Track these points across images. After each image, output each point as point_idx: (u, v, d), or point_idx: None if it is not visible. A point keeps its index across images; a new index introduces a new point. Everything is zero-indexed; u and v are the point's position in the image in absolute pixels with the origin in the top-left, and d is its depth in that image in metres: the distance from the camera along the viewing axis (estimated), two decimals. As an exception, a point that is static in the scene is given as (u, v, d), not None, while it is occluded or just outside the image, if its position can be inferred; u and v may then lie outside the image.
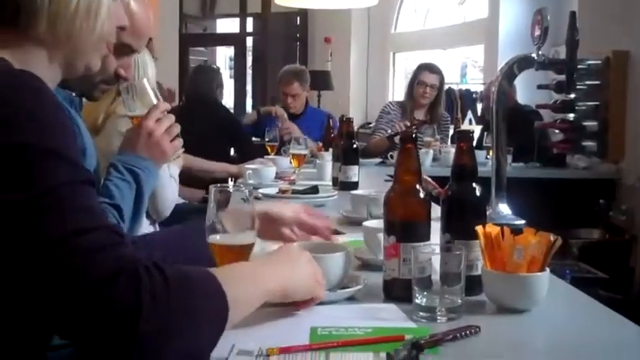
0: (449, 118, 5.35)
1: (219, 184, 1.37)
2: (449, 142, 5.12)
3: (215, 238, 1.31)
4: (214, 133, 4.47)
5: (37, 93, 0.99)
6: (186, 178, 3.55)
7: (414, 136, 1.40)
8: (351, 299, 1.39)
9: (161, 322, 0.90)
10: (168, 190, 2.72)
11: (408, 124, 4.75)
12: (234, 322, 1.03)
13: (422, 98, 5.05)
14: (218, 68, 5.37)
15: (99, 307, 0.88)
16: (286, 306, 1.26)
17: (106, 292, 0.88)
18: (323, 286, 1.28)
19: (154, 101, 1.73)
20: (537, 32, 2.28)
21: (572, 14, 2.30)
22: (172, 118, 1.72)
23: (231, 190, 1.36)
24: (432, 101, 5.08)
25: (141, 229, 1.74)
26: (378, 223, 1.59)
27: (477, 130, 5.78)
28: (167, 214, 2.80)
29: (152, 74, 2.87)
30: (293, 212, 1.59)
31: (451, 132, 5.36)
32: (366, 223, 1.73)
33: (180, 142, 1.74)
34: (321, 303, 1.30)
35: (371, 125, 7.56)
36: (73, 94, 1.68)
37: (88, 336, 0.90)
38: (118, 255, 0.92)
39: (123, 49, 1.59)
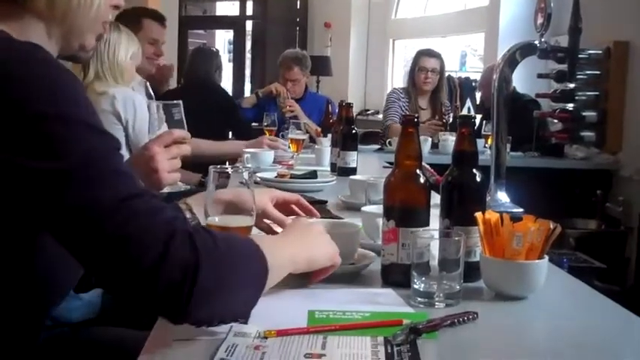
0: (450, 107, 5.32)
1: (218, 166, 1.36)
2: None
3: (214, 220, 1.31)
4: (212, 115, 4.45)
5: (48, 64, 1.01)
6: (189, 163, 3.55)
7: (415, 120, 1.39)
8: (349, 283, 1.39)
9: (215, 275, 0.98)
10: None
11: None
12: (270, 286, 1.11)
13: (424, 84, 5.02)
14: (217, 51, 5.35)
15: (162, 266, 0.94)
16: (307, 277, 1.29)
17: (167, 251, 0.95)
18: (337, 256, 1.31)
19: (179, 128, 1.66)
20: (540, 19, 2.27)
21: (576, 2, 2.30)
22: (185, 149, 1.65)
23: (230, 172, 1.36)
24: (434, 87, 5.05)
25: None
26: (377, 209, 1.59)
27: (476, 118, 5.78)
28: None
29: (127, 53, 2.86)
30: (259, 201, 1.53)
31: (450, 120, 5.33)
32: (364, 208, 1.73)
33: (178, 175, 1.66)
34: (331, 280, 1.31)
35: (369, 111, 7.54)
36: None
37: (149, 291, 0.95)
38: (168, 217, 0.99)
39: None
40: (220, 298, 1.00)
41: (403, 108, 5.06)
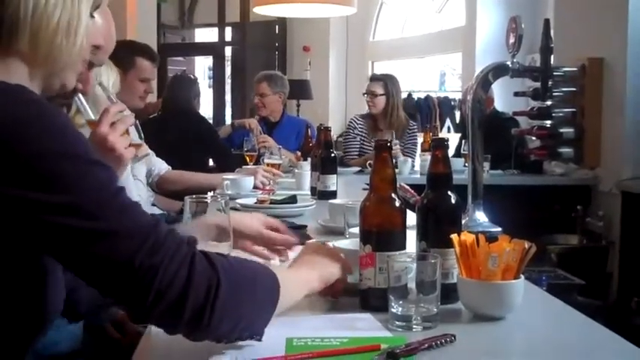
0: (415, 126, 5.33)
1: (194, 195, 1.37)
2: (418, 151, 5.12)
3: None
4: (192, 143, 4.45)
5: (40, 104, 1.03)
6: (172, 192, 3.54)
7: (388, 144, 1.40)
8: (327, 309, 1.39)
9: (234, 290, 1.04)
10: (134, 193, 2.71)
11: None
12: (283, 306, 1.17)
13: (369, 108, 5.16)
14: (196, 78, 5.37)
15: (189, 291, 1.00)
16: (325, 294, 1.38)
17: (191, 276, 1.00)
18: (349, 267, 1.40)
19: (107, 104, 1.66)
20: (512, 40, 2.29)
21: (546, 22, 2.32)
22: (128, 120, 1.66)
23: (207, 201, 1.36)
24: (384, 109, 5.09)
25: None
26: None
27: (455, 138, 5.81)
28: None
29: (109, 82, 2.86)
30: (252, 225, 1.60)
31: (420, 140, 5.35)
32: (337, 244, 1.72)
33: (133, 150, 1.67)
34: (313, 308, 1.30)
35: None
36: None
37: (178, 317, 1.01)
38: (183, 240, 1.04)
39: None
40: (239, 312, 1.06)
41: (362, 134, 5.19)
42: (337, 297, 1.40)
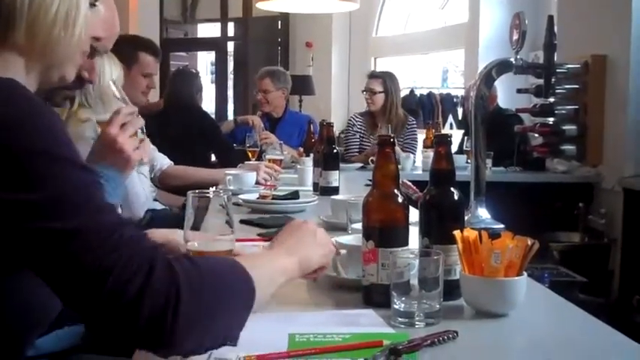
0: (414, 122, 5.32)
1: (197, 190, 1.36)
2: (419, 147, 5.10)
3: (193, 245, 1.31)
4: (194, 138, 4.45)
5: (29, 100, 1.00)
6: (175, 188, 3.54)
7: (391, 140, 1.40)
8: (329, 305, 1.39)
9: (199, 303, 0.97)
10: (139, 188, 2.71)
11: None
12: (261, 303, 1.10)
13: (368, 105, 5.13)
14: (197, 72, 5.36)
15: (144, 298, 0.93)
16: (306, 278, 1.32)
17: (147, 283, 0.93)
18: (332, 251, 1.34)
19: (119, 105, 1.67)
20: (515, 36, 2.29)
21: (550, 18, 2.32)
22: (138, 122, 1.66)
23: (210, 196, 1.36)
24: (383, 106, 5.08)
25: None
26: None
27: (457, 134, 5.81)
28: (141, 213, 2.78)
29: (112, 77, 2.85)
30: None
31: (421, 136, 5.34)
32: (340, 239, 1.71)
33: (147, 147, 1.69)
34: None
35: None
36: None
37: (131, 325, 0.94)
38: (147, 247, 0.99)
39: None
40: (206, 326, 0.99)
41: (361, 131, 5.18)
42: (317, 279, 1.37)
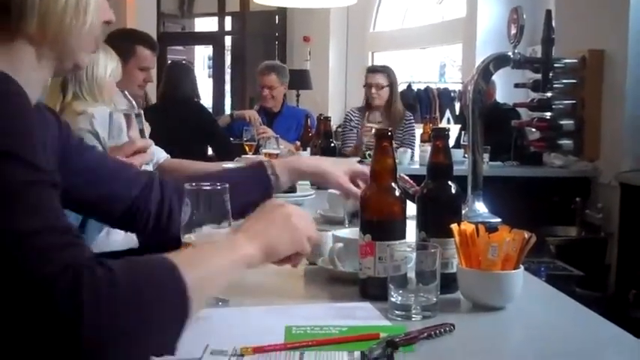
0: (412, 118, 5.30)
1: (194, 183, 1.36)
2: (417, 142, 5.10)
3: (190, 238, 1.30)
4: (191, 131, 4.45)
5: (3, 96, 0.97)
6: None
7: (389, 134, 1.40)
8: (326, 298, 1.39)
9: (109, 323, 0.86)
10: None
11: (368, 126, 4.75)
12: (202, 304, 1.02)
13: (372, 100, 5.06)
14: (190, 64, 5.34)
15: (41, 313, 0.84)
16: (281, 264, 1.22)
17: (45, 297, 0.85)
18: (311, 238, 1.24)
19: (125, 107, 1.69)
20: (513, 30, 2.29)
21: (548, 12, 2.32)
22: (147, 158, 1.69)
23: (208, 189, 1.35)
24: (386, 100, 5.07)
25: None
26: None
27: (455, 129, 5.81)
28: None
29: (106, 70, 2.84)
30: (334, 177, 1.65)
31: (419, 130, 5.33)
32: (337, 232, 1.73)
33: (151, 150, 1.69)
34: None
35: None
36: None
37: (33, 343, 0.86)
38: (61, 257, 0.88)
39: None
40: (122, 346, 0.88)
41: (359, 126, 5.14)
42: (295, 266, 1.28)
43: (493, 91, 5.21)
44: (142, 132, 1.74)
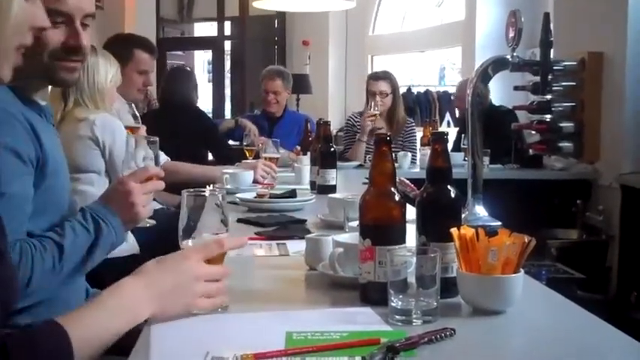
0: (412, 123, 5.27)
1: (192, 189, 1.36)
2: (418, 146, 5.09)
3: (187, 244, 1.30)
4: (190, 136, 4.44)
5: None
6: (170, 184, 3.53)
7: (388, 138, 1.40)
8: (327, 303, 1.39)
9: None
10: None
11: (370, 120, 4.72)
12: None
13: (376, 107, 5.02)
14: (191, 69, 5.35)
15: None
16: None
17: None
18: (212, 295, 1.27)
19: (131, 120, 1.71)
20: (512, 34, 2.29)
21: (546, 15, 2.32)
22: (159, 185, 1.68)
23: (205, 195, 1.35)
24: (389, 107, 5.05)
25: (75, 279, 1.61)
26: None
27: (454, 132, 5.80)
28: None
29: (106, 76, 2.84)
30: None
31: (419, 134, 5.32)
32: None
33: (150, 210, 1.71)
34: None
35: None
36: (43, 104, 1.60)
37: None
38: None
39: (55, 18, 1.44)
40: None
41: (358, 133, 5.09)
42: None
43: (487, 94, 5.19)
44: (156, 158, 1.76)
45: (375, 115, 4.63)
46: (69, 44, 1.50)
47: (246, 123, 5.04)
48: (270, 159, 3.41)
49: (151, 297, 1.20)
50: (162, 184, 1.69)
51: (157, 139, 1.82)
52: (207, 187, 2.92)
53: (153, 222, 2.01)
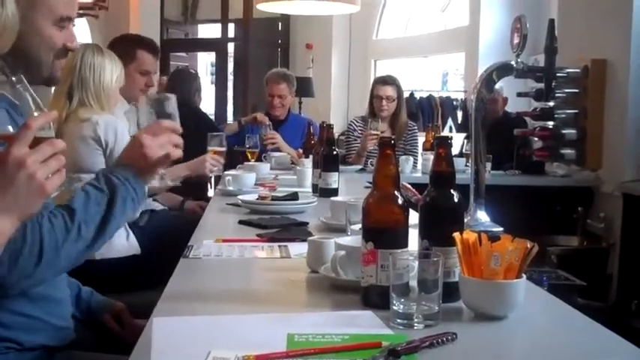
0: (415, 127, 5.28)
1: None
2: (419, 150, 5.09)
3: (6, 129, 1.27)
4: (192, 139, 4.43)
5: None
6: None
7: (392, 142, 1.40)
8: (328, 306, 1.39)
9: None
10: None
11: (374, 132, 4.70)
12: None
13: (380, 111, 5.01)
14: (196, 72, 5.35)
15: None
16: None
17: None
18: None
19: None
20: (516, 40, 2.29)
21: (551, 22, 2.32)
22: (175, 138, 1.58)
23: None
24: (393, 112, 5.05)
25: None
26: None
27: (457, 138, 5.80)
28: (137, 214, 2.78)
29: (112, 77, 2.84)
30: None
31: (421, 139, 5.32)
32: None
33: (168, 161, 1.58)
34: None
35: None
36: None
37: None
38: None
39: (64, 23, 1.57)
40: None
41: (362, 135, 5.06)
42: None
43: (504, 102, 5.19)
44: (172, 116, 1.69)
45: (376, 135, 4.62)
46: (68, 46, 1.59)
47: (250, 116, 5.01)
48: (215, 152, 3.38)
49: (2, 211, 1.17)
50: (179, 139, 1.59)
51: (173, 96, 1.77)
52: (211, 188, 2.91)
53: (173, 183, 1.91)
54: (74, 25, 1.62)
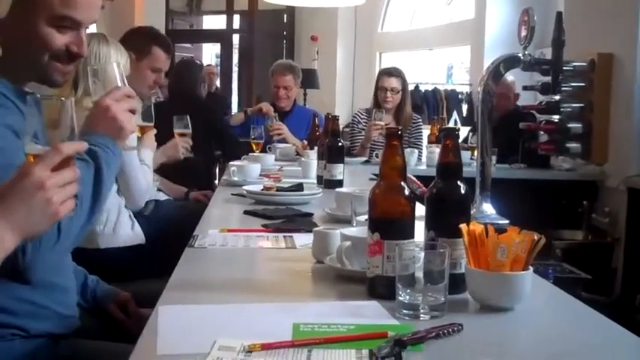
0: (419, 120, 5.26)
1: (40, 95, 1.37)
2: (424, 143, 5.08)
3: (36, 147, 1.27)
4: (198, 130, 4.44)
5: None
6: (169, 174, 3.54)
7: (398, 132, 1.39)
8: (334, 296, 1.39)
9: None
10: (140, 177, 2.70)
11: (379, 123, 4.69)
12: None
13: (385, 103, 5.00)
14: (201, 63, 5.33)
15: None
16: None
17: None
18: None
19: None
20: (524, 32, 2.28)
21: (559, 14, 2.32)
22: (134, 103, 1.62)
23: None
24: (397, 104, 5.05)
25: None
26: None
27: (462, 130, 5.79)
28: (142, 203, 2.78)
29: (116, 70, 2.83)
30: None
31: (426, 132, 5.32)
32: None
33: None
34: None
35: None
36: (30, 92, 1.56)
37: None
38: None
39: (63, 23, 1.48)
40: None
41: (364, 130, 5.06)
42: None
43: (515, 97, 5.17)
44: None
45: (381, 126, 4.61)
46: (72, 50, 1.52)
47: (256, 107, 5.00)
48: (181, 134, 3.38)
49: (10, 226, 1.16)
50: (138, 103, 1.64)
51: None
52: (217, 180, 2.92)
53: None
54: (86, 29, 1.53)
